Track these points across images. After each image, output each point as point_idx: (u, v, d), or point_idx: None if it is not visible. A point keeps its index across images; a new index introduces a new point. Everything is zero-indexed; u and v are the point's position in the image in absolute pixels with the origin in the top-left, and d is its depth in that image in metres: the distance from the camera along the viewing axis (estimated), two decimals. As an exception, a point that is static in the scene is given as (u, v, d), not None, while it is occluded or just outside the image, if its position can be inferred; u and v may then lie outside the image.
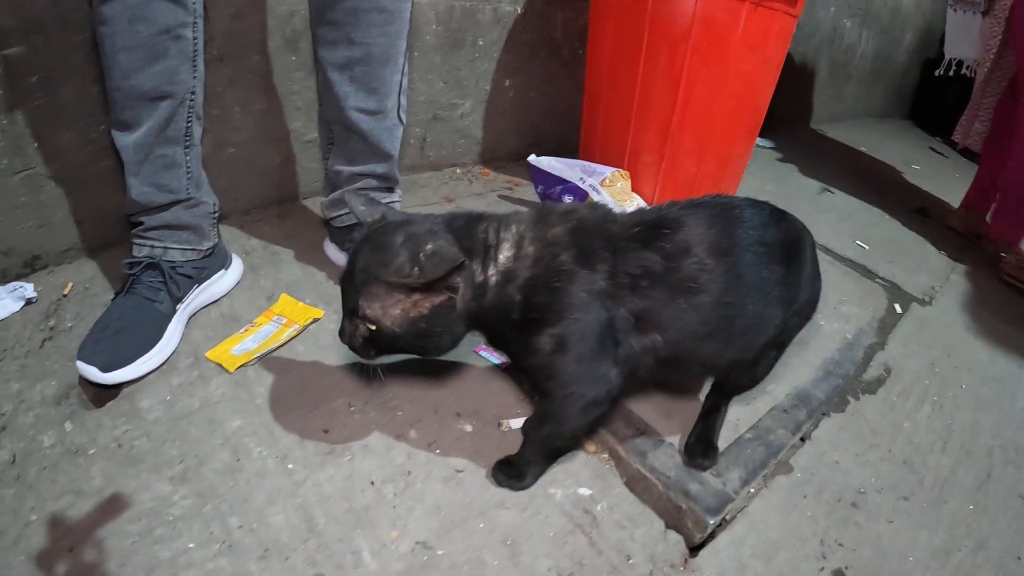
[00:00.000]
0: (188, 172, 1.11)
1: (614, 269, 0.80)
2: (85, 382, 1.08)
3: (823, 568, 0.89)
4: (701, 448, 0.97)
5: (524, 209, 0.88)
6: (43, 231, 1.34)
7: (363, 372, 1.08)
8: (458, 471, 0.92)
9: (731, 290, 0.81)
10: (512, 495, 0.90)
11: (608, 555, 0.85)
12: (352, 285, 0.81)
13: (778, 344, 0.95)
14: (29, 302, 1.28)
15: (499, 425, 1.00)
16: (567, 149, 1.43)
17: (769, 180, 1.59)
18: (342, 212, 1.19)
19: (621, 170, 1.36)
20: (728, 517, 0.93)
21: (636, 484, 0.93)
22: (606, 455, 0.97)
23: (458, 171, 1.58)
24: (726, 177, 1.43)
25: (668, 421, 1.00)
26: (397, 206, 1.24)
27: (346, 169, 1.16)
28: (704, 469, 0.95)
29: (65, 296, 1.30)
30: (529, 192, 1.54)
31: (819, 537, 0.92)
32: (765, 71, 1.42)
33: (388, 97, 1.10)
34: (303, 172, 1.45)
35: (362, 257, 0.80)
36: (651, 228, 0.82)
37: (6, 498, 0.93)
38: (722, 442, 1.02)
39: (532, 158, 1.41)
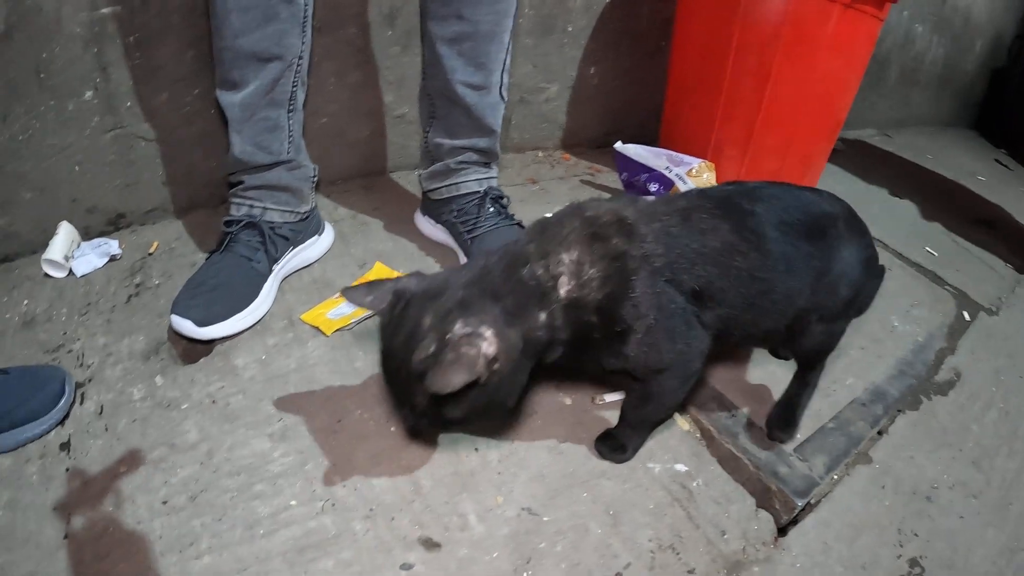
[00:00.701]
0: (290, 136, 1.15)
1: (672, 261, 0.83)
2: (175, 338, 1.13)
3: (900, 556, 0.94)
4: (778, 421, 1.03)
5: (555, 215, 0.89)
6: (130, 190, 1.39)
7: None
8: (560, 441, 0.96)
9: (763, 267, 0.87)
10: (613, 467, 0.95)
11: (705, 529, 0.89)
12: (393, 373, 0.82)
13: (817, 317, 0.96)
14: (113, 259, 1.34)
15: (593, 400, 1.04)
16: (645, 139, 1.48)
17: (839, 181, 1.62)
18: (441, 184, 1.24)
19: (707, 161, 1.40)
20: (813, 501, 0.97)
21: (728, 463, 0.98)
22: (699, 434, 1.01)
23: (540, 154, 1.63)
24: (806, 176, 1.47)
25: (759, 406, 1.05)
26: (493, 182, 1.27)
27: (447, 142, 1.20)
28: (780, 441, 1.02)
29: (150, 255, 1.35)
30: (610, 179, 1.59)
31: (896, 526, 0.97)
32: (850, 73, 1.46)
33: (493, 73, 1.15)
34: (391, 146, 1.50)
35: (395, 341, 0.80)
36: (686, 212, 0.87)
37: (93, 449, 0.98)
38: (806, 431, 1.06)
39: (619, 145, 1.45)
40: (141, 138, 1.35)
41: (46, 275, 1.28)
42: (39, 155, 1.28)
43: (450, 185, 1.24)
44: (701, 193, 0.91)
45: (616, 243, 0.82)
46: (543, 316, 0.81)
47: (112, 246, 1.34)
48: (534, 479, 0.92)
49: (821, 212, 0.92)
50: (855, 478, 1.03)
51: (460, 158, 1.22)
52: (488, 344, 0.75)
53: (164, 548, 0.85)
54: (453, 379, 0.72)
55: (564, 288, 0.81)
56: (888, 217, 1.57)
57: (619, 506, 0.90)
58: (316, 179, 1.22)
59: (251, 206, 1.16)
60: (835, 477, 1.02)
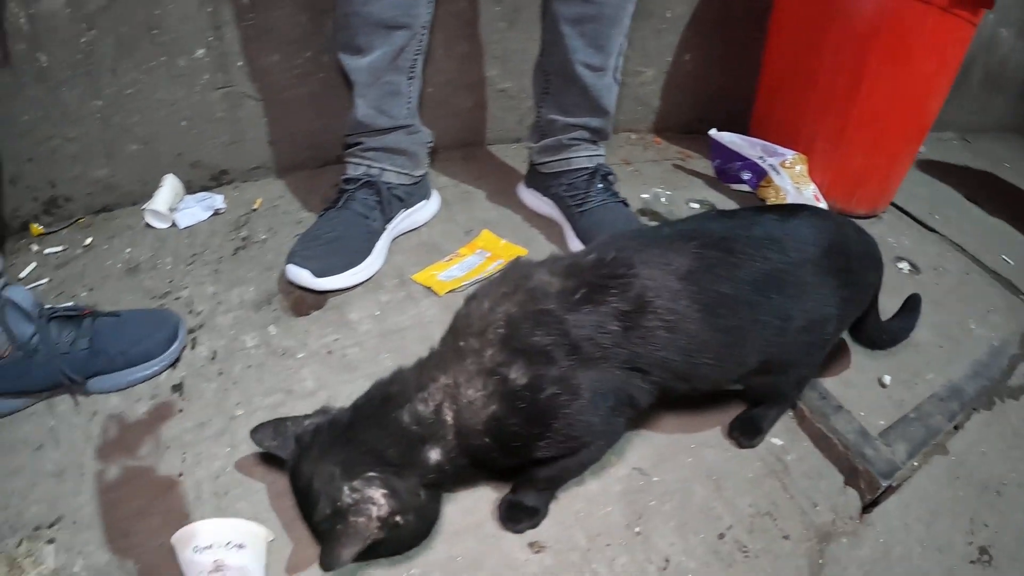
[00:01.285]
0: (409, 102, 1.22)
1: (577, 346, 0.76)
2: (286, 291, 1.20)
3: (971, 543, 1.01)
4: (743, 428, 1.03)
5: (433, 349, 0.86)
6: (235, 147, 1.46)
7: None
8: (667, 410, 1.03)
9: (696, 337, 0.80)
10: (715, 436, 1.03)
11: (798, 500, 0.97)
12: (307, 524, 0.83)
13: (774, 371, 0.93)
14: (217, 213, 1.41)
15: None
16: (735, 128, 1.54)
17: (916, 183, 1.65)
18: (552, 158, 1.31)
19: (800, 154, 1.45)
20: (895, 484, 1.04)
21: (819, 441, 1.05)
22: (791, 413, 1.07)
23: (633, 136, 1.70)
24: (892, 174, 1.52)
25: (846, 390, 1.12)
26: (602, 159, 1.33)
27: (561, 119, 1.26)
28: (740, 446, 1.02)
29: (254, 211, 1.42)
30: (700, 164, 1.64)
31: (968, 515, 1.04)
32: (941, 76, 1.49)
33: (611, 56, 1.21)
34: (491, 119, 1.57)
35: (299, 500, 0.81)
36: (596, 288, 0.78)
37: (207, 392, 1.05)
38: (890, 418, 1.12)
39: (714, 132, 1.50)
40: (250, 97, 1.42)
41: (147, 225, 1.36)
42: (146, 109, 1.36)
43: (561, 160, 1.31)
44: (629, 253, 0.81)
45: (490, 354, 0.76)
46: (438, 454, 0.78)
47: (216, 200, 1.41)
48: (644, 443, 1.00)
49: (779, 263, 0.85)
50: (933, 467, 1.10)
51: (573, 135, 1.28)
52: (378, 508, 0.75)
53: (283, 489, 0.90)
54: (343, 553, 0.72)
55: (449, 416, 0.78)
56: (965, 221, 1.61)
57: (720, 473, 0.98)
58: (431, 144, 1.29)
59: (369, 166, 1.23)
60: (915, 464, 1.09)
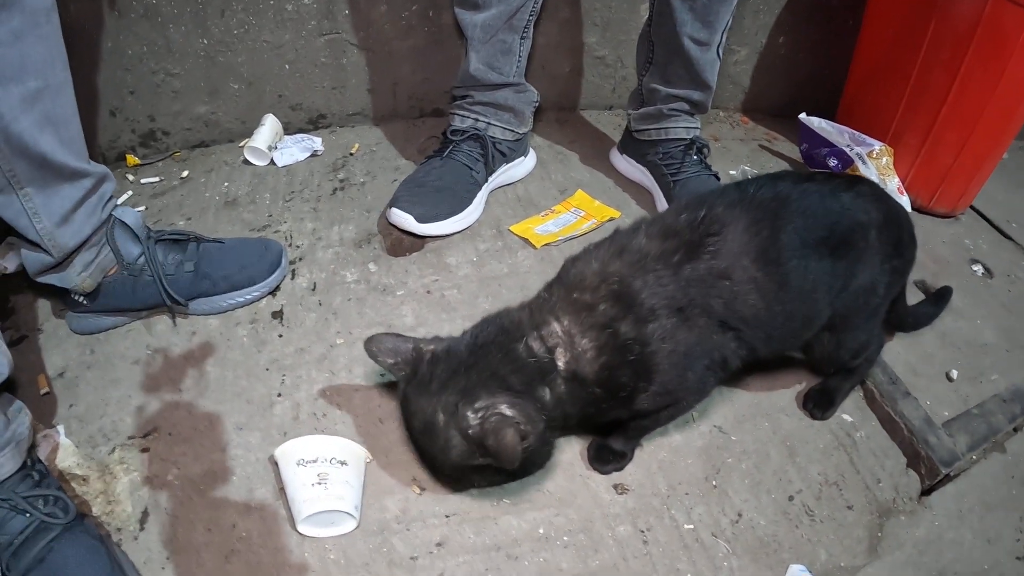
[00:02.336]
0: (519, 61, 1.27)
1: (675, 303, 0.82)
2: (386, 231, 1.26)
3: (1019, 540, 1.06)
4: (818, 400, 1.09)
5: (542, 290, 0.91)
6: (335, 92, 1.52)
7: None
8: (748, 375, 1.10)
9: (780, 297, 0.86)
10: (791, 404, 1.09)
11: (863, 475, 1.03)
12: (428, 463, 0.91)
13: (835, 329, 0.98)
14: (315, 154, 1.48)
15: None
16: (822, 114, 1.57)
17: (996, 189, 1.68)
18: (651, 126, 1.36)
19: (887, 145, 1.48)
20: (953, 473, 1.10)
21: (886, 423, 1.12)
22: (862, 393, 1.13)
23: (721, 114, 1.74)
24: (975, 176, 1.54)
25: (916, 378, 1.17)
26: (698, 132, 1.38)
27: (664, 89, 1.31)
28: (812, 417, 1.09)
29: (352, 155, 1.48)
30: (786, 147, 1.68)
31: (1019, 513, 1.09)
32: (1035, 83, 1.49)
33: (717, 32, 1.25)
34: (586, 85, 1.62)
35: (416, 434, 0.86)
36: (693, 248, 0.84)
37: (308, 320, 1.12)
38: (954, 410, 1.17)
39: (803, 116, 1.53)
40: (354, 45, 1.48)
41: (245, 162, 1.42)
42: (252, 50, 1.42)
43: (659, 128, 1.35)
44: (714, 210, 0.86)
45: (603, 309, 0.82)
46: (548, 393, 0.83)
47: (315, 142, 1.48)
48: (725, 402, 1.07)
49: (852, 224, 0.91)
50: (990, 463, 1.15)
51: (673, 105, 1.33)
52: (508, 411, 0.79)
53: (384, 415, 1.00)
54: (507, 440, 0.76)
55: (561, 360, 0.83)
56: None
57: (794, 440, 1.05)
58: (537, 103, 1.34)
59: (476, 120, 1.29)
60: (973, 457, 1.15)
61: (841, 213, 0.92)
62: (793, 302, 0.89)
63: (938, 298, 1.28)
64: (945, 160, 1.52)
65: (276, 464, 0.91)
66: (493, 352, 0.82)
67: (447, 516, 0.91)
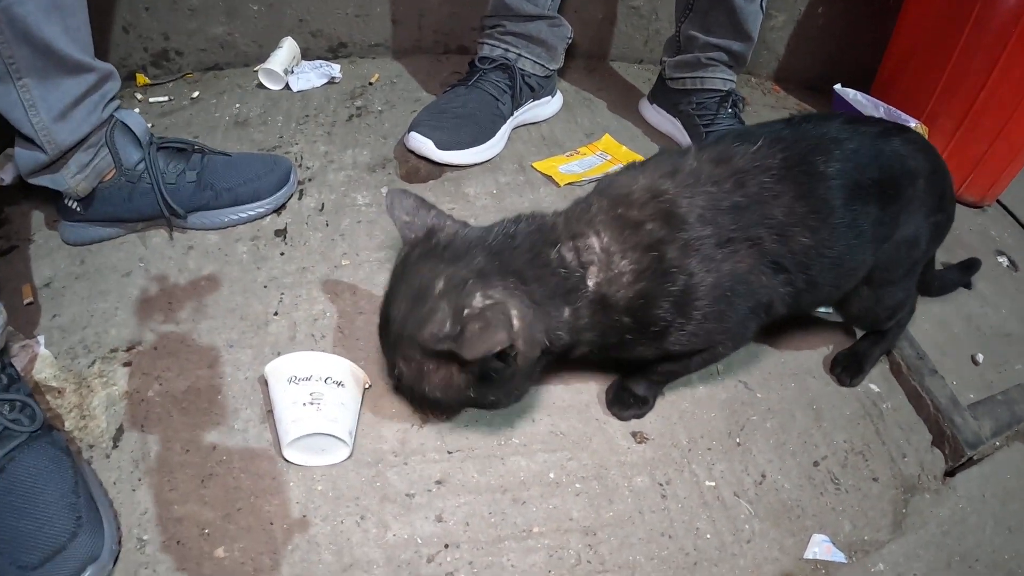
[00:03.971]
0: None
1: (724, 233, 0.73)
2: (402, 157, 1.17)
3: None
4: (846, 365, 1.00)
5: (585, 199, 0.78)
6: (358, 20, 1.41)
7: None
8: (775, 334, 1.00)
9: (828, 238, 0.77)
10: (818, 366, 1.00)
11: (889, 447, 0.95)
12: (388, 331, 0.73)
13: (874, 281, 0.89)
14: (332, 81, 1.38)
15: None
16: (857, 88, 1.46)
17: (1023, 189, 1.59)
18: (687, 75, 1.26)
19: (923, 124, 1.39)
20: (976, 457, 1.01)
21: (913, 398, 1.04)
22: (888, 366, 1.04)
23: (752, 80, 1.64)
24: (1009, 167, 1.48)
25: (943, 357, 1.09)
26: (734, 85, 1.28)
27: (702, 37, 1.21)
28: (840, 383, 1.00)
29: (371, 84, 1.38)
30: (819, 120, 1.58)
31: (1040, 504, 1.00)
32: (1077, 75, 1.41)
33: None
34: (618, 35, 1.51)
35: (399, 297, 0.72)
36: (744, 176, 0.75)
37: (313, 240, 1.03)
38: (979, 394, 1.08)
39: (839, 87, 1.45)
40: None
41: (259, 85, 1.32)
42: None
43: (695, 77, 1.25)
44: (768, 143, 0.77)
45: (650, 228, 0.72)
46: (567, 313, 0.72)
47: (334, 69, 1.38)
48: (751, 359, 0.98)
49: (901, 170, 0.83)
50: (1013, 451, 1.07)
51: (711, 55, 1.23)
52: (516, 321, 0.66)
53: None
54: (492, 338, 0.63)
55: (592, 280, 0.72)
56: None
57: (821, 404, 0.96)
58: (571, 40, 1.24)
59: (506, 50, 1.19)
60: (997, 444, 1.06)
61: (891, 157, 0.83)
62: (840, 245, 0.79)
63: (966, 267, 1.19)
64: (979, 147, 1.43)
65: (266, 383, 0.81)
66: (522, 250, 0.71)
67: (450, 452, 0.82)
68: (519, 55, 1.19)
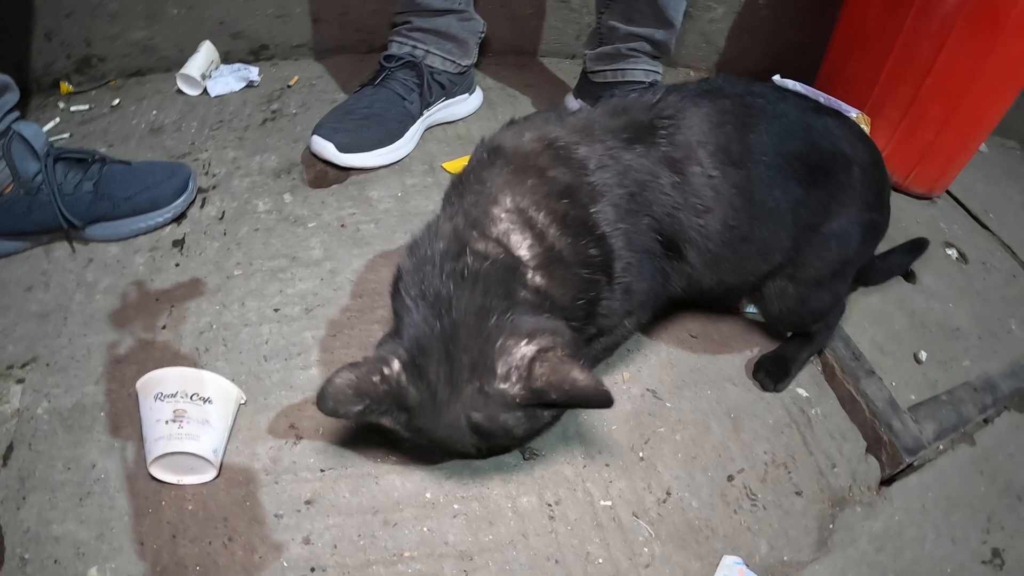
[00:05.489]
0: None
1: (625, 185, 0.64)
2: (309, 163, 1.11)
3: (985, 542, 0.89)
4: (771, 369, 0.89)
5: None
6: (279, 22, 1.35)
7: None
8: (692, 335, 0.91)
9: (738, 210, 0.68)
10: (739, 373, 0.91)
11: (817, 457, 0.85)
12: (444, 436, 0.63)
13: (798, 278, 0.79)
14: (251, 85, 1.33)
15: (738, 309, 0.97)
16: (801, 81, 1.36)
17: (975, 180, 1.51)
18: (607, 67, 1.17)
19: (864, 115, 1.29)
20: (917, 464, 0.92)
21: (847, 403, 0.94)
22: (821, 368, 0.94)
23: (692, 74, 1.55)
24: (956, 158, 1.39)
25: (882, 357, 0.99)
26: (659, 78, 1.19)
27: (623, 27, 1.12)
28: (763, 388, 0.89)
29: (290, 87, 1.32)
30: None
31: (987, 513, 0.92)
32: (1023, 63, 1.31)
33: None
34: (548, 30, 1.43)
35: (466, 449, 0.64)
36: (644, 129, 0.66)
37: (209, 250, 0.97)
38: (921, 395, 0.99)
39: (777, 78, 1.36)
40: (300, -31, 1.28)
41: (178, 91, 1.27)
42: None
43: (616, 70, 1.16)
44: (670, 98, 0.69)
45: (554, 175, 0.63)
46: (528, 295, 0.63)
47: (252, 72, 1.32)
48: (663, 365, 0.88)
49: (833, 151, 0.74)
50: (958, 455, 0.98)
51: (633, 45, 1.14)
52: (529, 345, 0.59)
53: (269, 353, 0.84)
54: (586, 383, 0.57)
55: (524, 247, 0.62)
56: (1020, 227, 1.46)
57: (740, 413, 0.86)
58: (483, 35, 1.15)
59: (414, 47, 1.10)
60: (940, 447, 0.97)
61: (824, 135, 0.73)
62: (752, 221, 0.69)
63: (910, 249, 1.07)
64: (926, 135, 1.34)
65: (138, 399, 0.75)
66: (458, 296, 0.60)
67: (322, 470, 0.73)
68: (427, 51, 1.11)
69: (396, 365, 0.61)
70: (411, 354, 0.60)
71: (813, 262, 0.78)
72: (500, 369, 0.58)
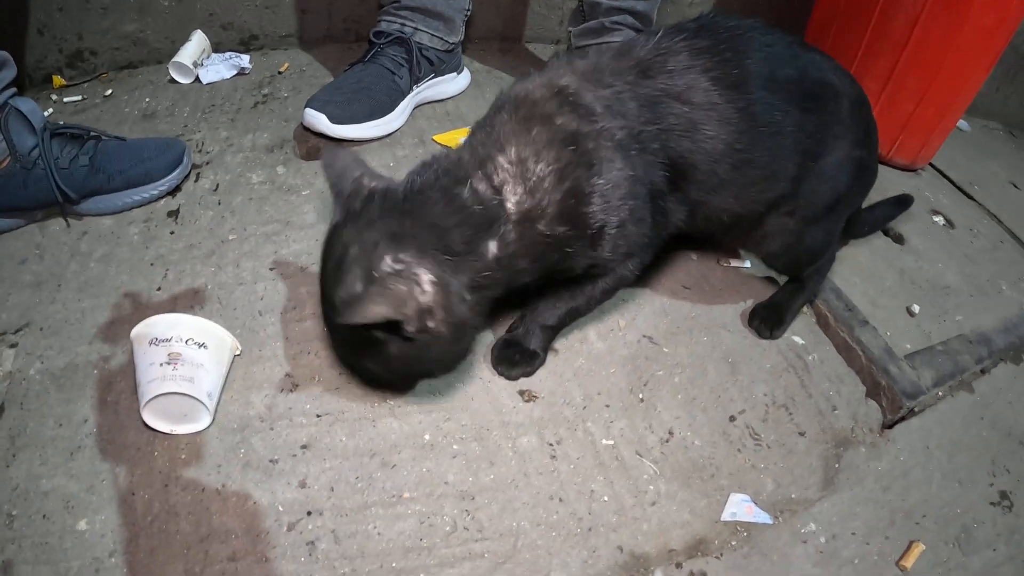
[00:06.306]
0: None
1: (636, 131, 0.66)
2: (301, 137, 1.12)
3: (992, 484, 0.88)
4: (766, 317, 0.89)
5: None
6: (268, 12, 1.36)
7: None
8: (684, 287, 0.91)
9: (742, 132, 0.70)
10: (734, 320, 0.90)
11: (816, 400, 0.84)
12: (323, 304, 0.68)
13: (797, 214, 0.80)
14: (242, 72, 1.33)
15: (718, 261, 0.98)
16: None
17: (959, 154, 1.54)
18: (593, 41, 1.18)
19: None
20: (917, 409, 0.91)
21: (843, 350, 0.94)
22: (815, 318, 0.95)
23: None
24: (937, 128, 1.40)
25: (875, 309, 0.99)
26: None
27: (606, 2, 1.14)
28: (760, 336, 0.89)
29: (280, 73, 1.33)
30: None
31: (991, 456, 0.91)
32: (1000, 32, 1.36)
33: None
34: (532, 15, 1.45)
35: (325, 268, 0.66)
36: (648, 66, 0.68)
37: (203, 218, 0.97)
38: (915, 344, 0.99)
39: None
40: (288, -42, 1.30)
41: (171, 80, 1.27)
42: None
43: (601, 43, 1.18)
44: (669, 36, 0.71)
45: (561, 122, 0.64)
46: (493, 247, 0.64)
47: (243, 60, 1.33)
48: (657, 314, 0.88)
49: (822, 80, 0.75)
50: (958, 401, 0.97)
51: (616, 19, 1.16)
52: (422, 292, 0.61)
53: (264, 308, 0.84)
54: (368, 310, 0.58)
55: (512, 200, 0.64)
56: (1004, 199, 1.48)
57: (737, 357, 0.85)
58: (469, 13, 1.17)
59: (403, 24, 1.12)
60: (939, 394, 0.96)
61: (811, 64, 0.75)
62: (756, 143, 0.71)
63: (897, 201, 1.09)
64: (906, 107, 1.36)
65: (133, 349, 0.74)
66: (433, 199, 0.63)
67: (318, 416, 0.72)
68: (416, 28, 1.12)
69: (371, 184, 0.66)
70: (381, 189, 0.65)
71: (810, 196, 0.79)
72: (402, 255, 0.61)
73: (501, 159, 0.64)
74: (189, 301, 0.84)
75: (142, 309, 0.83)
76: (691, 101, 0.68)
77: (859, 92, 0.81)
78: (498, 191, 0.63)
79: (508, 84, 0.74)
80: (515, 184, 0.63)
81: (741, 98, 0.69)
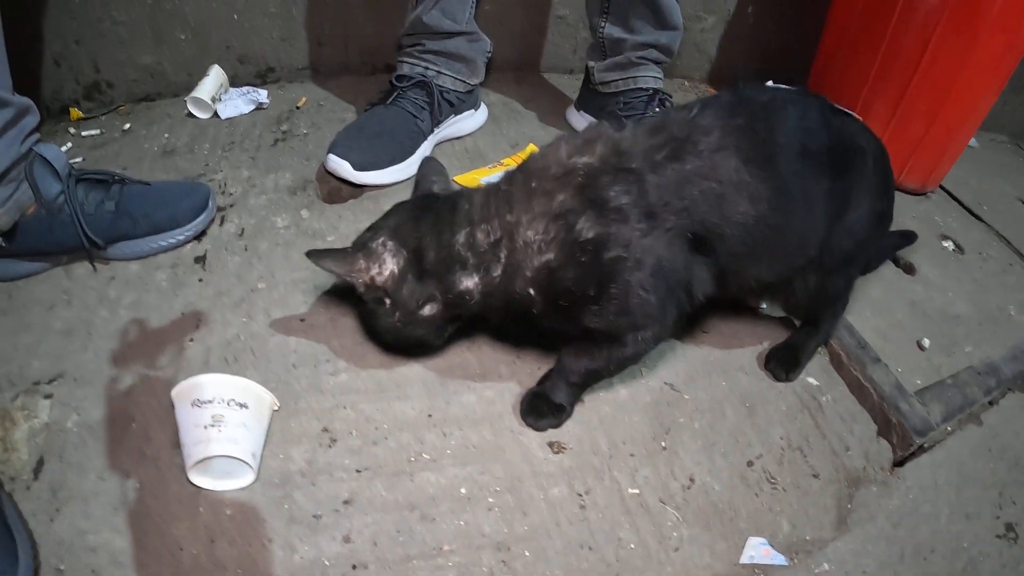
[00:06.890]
0: (472, 8, 1.14)
1: (648, 206, 0.69)
2: (323, 179, 1.14)
3: (999, 517, 0.92)
4: (782, 359, 0.94)
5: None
6: (284, 45, 1.39)
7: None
8: (703, 331, 0.95)
9: (774, 207, 0.73)
10: (751, 363, 0.94)
11: (830, 440, 0.88)
12: None
13: (824, 268, 0.84)
14: (260, 107, 1.34)
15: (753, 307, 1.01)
16: (794, 83, 1.42)
17: (967, 174, 1.56)
18: (619, 77, 1.21)
19: (855, 115, 1.35)
20: (927, 445, 0.95)
21: (855, 389, 0.97)
22: (828, 357, 0.99)
23: (686, 83, 1.61)
24: (947, 151, 1.43)
25: (885, 344, 1.03)
26: (662, 84, 1.24)
27: (630, 38, 1.18)
28: (776, 379, 0.93)
29: (298, 108, 1.35)
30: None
31: (998, 489, 0.95)
32: (1007, 58, 1.39)
33: None
34: (547, 45, 1.47)
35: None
36: (680, 144, 0.72)
37: (231, 264, 1.00)
38: (926, 380, 1.03)
39: (770, 84, 1.40)
40: (305, -7, 1.33)
41: (189, 114, 1.29)
42: None
43: (627, 78, 1.21)
44: (703, 112, 0.74)
45: (562, 199, 0.70)
46: (469, 282, 0.75)
47: (261, 95, 1.35)
48: (677, 359, 0.92)
49: (851, 144, 0.80)
50: (967, 434, 1.01)
51: (642, 54, 1.19)
52: (380, 269, 0.76)
53: (298, 360, 0.87)
54: (326, 262, 0.77)
55: (502, 255, 0.73)
56: (1013, 219, 1.51)
57: (754, 400, 0.90)
58: (490, 54, 1.20)
59: (426, 68, 1.15)
60: (948, 429, 1.00)
61: (841, 130, 0.80)
62: (788, 214, 0.75)
63: (903, 236, 1.14)
64: (916, 131, 1.39)
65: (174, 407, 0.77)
66: (440, 226, 0.76)
67: (358, 471, 0.76)
68: (439, 72, 1.15)
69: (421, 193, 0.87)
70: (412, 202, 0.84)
71: (835, 251, 0.83)
72: (389, 242, 0.77)
73: (507, 217, 0.73)
74: (223, 352, 0.87)
75: (177, 360, 0.86)
76: (722, 180, 0.71)
77: (879, 146, 0.86)
78: (494, 246, 0.73)
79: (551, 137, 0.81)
80: (508, 241, 0.72)
81: (773, 175, 0.73)
